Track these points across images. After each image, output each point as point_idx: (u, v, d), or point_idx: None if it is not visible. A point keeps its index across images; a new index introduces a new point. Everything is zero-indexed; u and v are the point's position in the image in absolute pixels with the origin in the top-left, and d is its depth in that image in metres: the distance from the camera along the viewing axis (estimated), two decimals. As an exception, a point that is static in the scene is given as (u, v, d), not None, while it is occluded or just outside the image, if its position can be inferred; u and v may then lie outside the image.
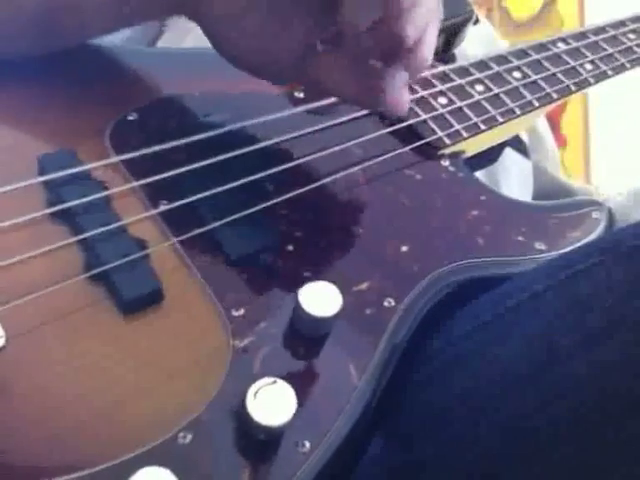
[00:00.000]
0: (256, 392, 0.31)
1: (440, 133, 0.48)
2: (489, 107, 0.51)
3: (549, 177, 0.68)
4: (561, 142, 1.25)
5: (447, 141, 0.48)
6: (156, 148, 0.39)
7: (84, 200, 0.37)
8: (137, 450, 0.30)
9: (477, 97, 0.51)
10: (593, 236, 0.45)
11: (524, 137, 0.66)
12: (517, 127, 0.57)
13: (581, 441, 0.33)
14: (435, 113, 0.49)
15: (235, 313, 0.36)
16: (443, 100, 0.50)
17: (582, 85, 0.56)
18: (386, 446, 0.40)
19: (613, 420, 0.33)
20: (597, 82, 0.57)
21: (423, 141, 0.47)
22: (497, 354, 0.38)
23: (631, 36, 0.63)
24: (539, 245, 0.44)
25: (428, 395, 0.39)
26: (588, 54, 0.59)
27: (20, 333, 0.32)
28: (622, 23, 0.64)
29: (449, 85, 0.52)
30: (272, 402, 0.31)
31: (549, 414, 0.34)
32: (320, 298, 0.35)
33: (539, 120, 0.72)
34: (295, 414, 0.31)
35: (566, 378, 0.34)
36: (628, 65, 0.60)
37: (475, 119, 0.50)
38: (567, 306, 0.37)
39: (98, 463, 0.29)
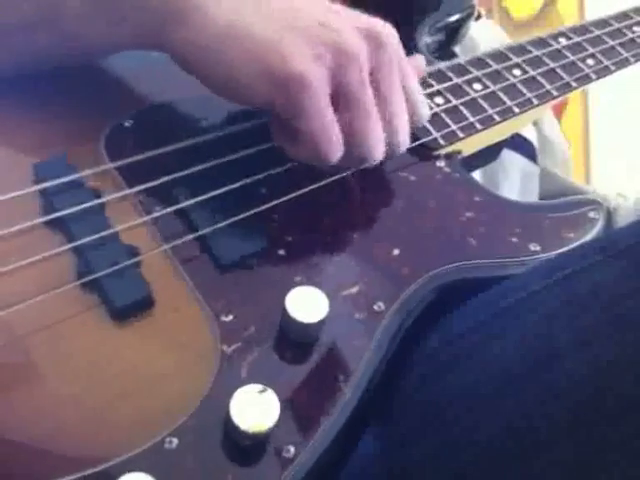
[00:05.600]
0: (240, 399, 0.32)
1: (435, 134, 0.48)
2: (486, 106, 0.51)
3: (560, 182, 0.67)
4: (561, 142, 1.24)
5: (442, 142, 0.48)
6: (143, 156, 0.40)
7: (77, 208, 0.37)
8: (124, 455, 0.30)
9: (474, 96, 0.51)
10: (589, 236, 0.45)
11: (534, 141, 0.65)
12: (517, 125, 0.56)
13: (579, 440, 0.33)
14: (430, 112, 0.49)
15: (224, 318, 0.36)
16: (439, 100, 0.50)
17: (583, 81, 0.56)
18: (384, 447, 0.40)
19: (610, 419, 0.33)
20: (599, 78, 0.56)
21: (417, 142, 0.47)
22: (494, 353, 0.38)
23: (636, 28, 0.62)
24: (533, 246, 0.44)
25: (425, 395, 0.39)
26: (590, 48, 0.58)
27: (13, 340, 0.33)
28: (626, 15, 0.63)
29: (446, 84, 0.51)
30: (255, 409, 0.31)
31: (546, 413, 0.34)
32: (307, 304, 0.35)
33: (548, 124, 0.71)
34: (279, 420, 0.31)
35: (563, 377, 0.35)
36: (632, 59, 0.59)
37: (471, 119, 0.49)
38: (564, 305, 0.37)
39: (84, 467, 0.30)
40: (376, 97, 0.39)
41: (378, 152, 0.40)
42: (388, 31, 0.40)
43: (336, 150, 0.39)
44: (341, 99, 0.38)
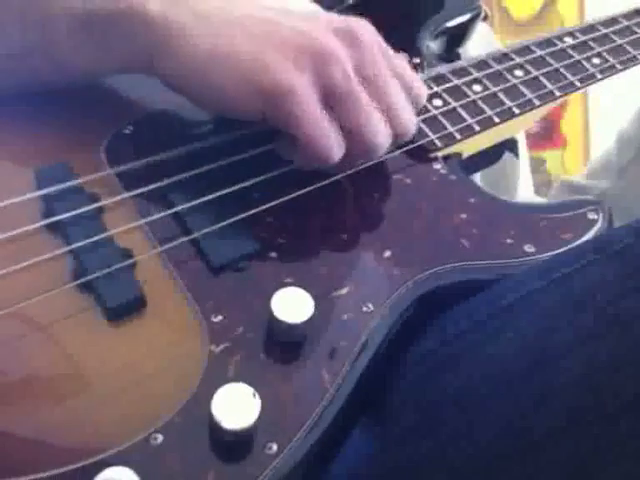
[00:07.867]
0: (222, 396, 0.32)
1: (432, 136, 0.48)
2: (485, 107, 0.50)
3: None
4: (561, 142, 1.22)
5: (439, 144, 0.48)
6: (141, 162, 0.41)
7: (75, 212, 0.39)
8: (109, 450, 0.31)
9: (473, 98, 0.51)
10: (587, 237, 0.44)
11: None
12: (519, 126, 0.56)
13: (575, 439, 0.34)
14: (428, 115, 0.49)
15: (214, 319, 0.37)
16: (438, 102, 0.50)
17: (588, 80, 0.55)
18: (381, 447, 0.41)
19: (607, 418, 0.33)
20: (604, 77, 0.56)
21: (414, 145, 0.47)
22: (491, 353, 0.38)
23: None
24: (528, 248, 0.43)
25: (422, 395, 0.40)
26: (596, 47, 0.57)
27: (8, 340, 0.34)
28: (636, 12, 0.62)
29: (445, 86, 0.51)
30: (237, 406, 0.32)
31: (543, 413, 0.35)
32: (292, 305, 0.36)
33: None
34: (261, 418, 0.32)
35: (559, 377, 0.35)
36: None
37: (470, 120, 0.49)
38: (560, 305, 0.38)
39: (69, 462, 0.31)
40: (370, 90, 0.41)
41: (381, 141, 0.42)
42: (362, 26, 0.42)
43: (335, 149, 0.40)
44: (332, 99, 0.40)
